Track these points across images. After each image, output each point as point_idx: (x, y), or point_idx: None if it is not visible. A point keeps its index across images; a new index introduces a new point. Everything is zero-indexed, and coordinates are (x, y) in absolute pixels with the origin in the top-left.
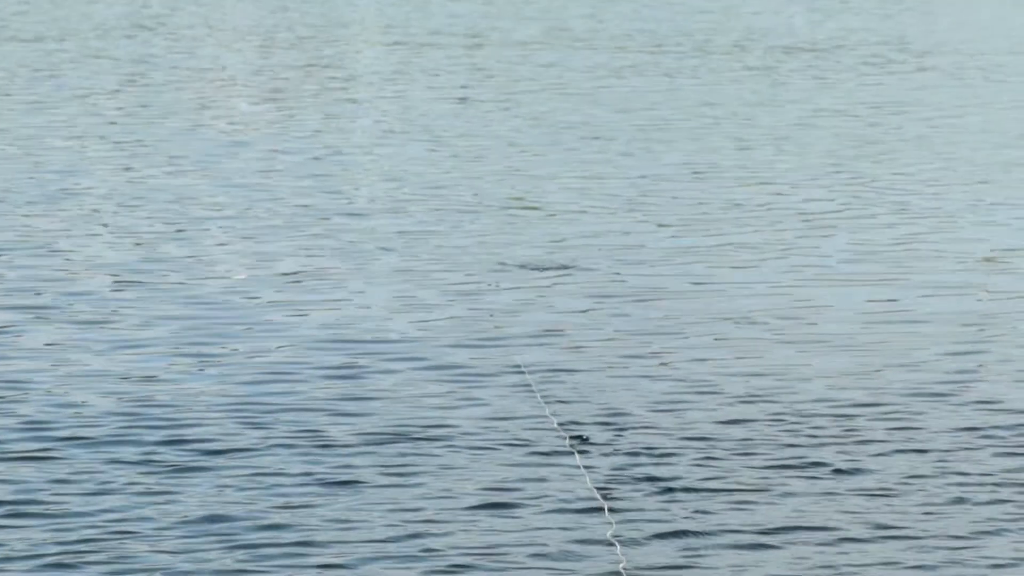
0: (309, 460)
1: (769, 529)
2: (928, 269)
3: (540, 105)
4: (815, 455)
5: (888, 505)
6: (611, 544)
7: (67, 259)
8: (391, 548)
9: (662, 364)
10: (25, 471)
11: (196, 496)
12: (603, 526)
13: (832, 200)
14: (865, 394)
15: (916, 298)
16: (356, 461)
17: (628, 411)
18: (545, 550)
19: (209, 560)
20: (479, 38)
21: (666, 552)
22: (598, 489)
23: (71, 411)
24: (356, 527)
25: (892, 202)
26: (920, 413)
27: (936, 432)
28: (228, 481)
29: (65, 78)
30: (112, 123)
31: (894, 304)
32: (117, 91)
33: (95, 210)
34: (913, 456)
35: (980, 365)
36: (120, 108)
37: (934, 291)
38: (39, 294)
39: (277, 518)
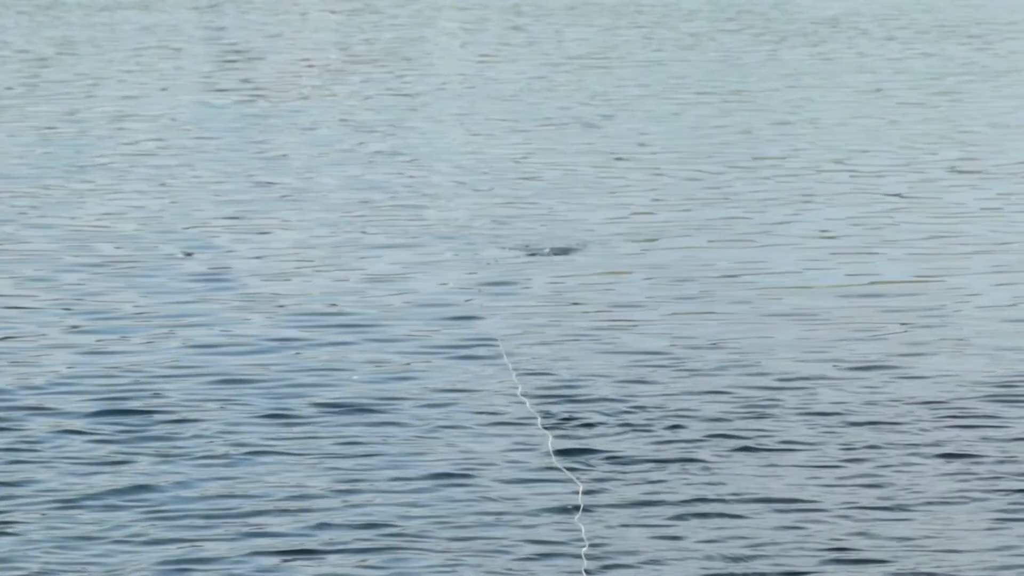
0: (271, 430)
1: (730, 499)
2: (895, 244)
3: (582, 81)
4: (777, 428)
5: (845, 476)
6: (573, 513)
7: (60, 227)
8: (349, 517)
9: (638, 341)
10: None
11: (157, 466)
12: (566, 496)
13: (802, 176)
14: (826, 367)
15: (878, 272)
16: (319, 431)
17: (597, 385)
18: (506, 519)
19: (167, 530)
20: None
21: (629, 522)
22: (563, 462)
23: (34, 380)
24: (313, 496)
25: (863, 179)
26: (876, 387)
27: (892, 405)
28: (188, 450)
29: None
30: (130, 96)
31: (857, 278)
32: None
33: (89, 181)
34: (870, 429)
35: (939, 339)
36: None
37: (898, 265)
38: (28, 262)
39: (236, 488)
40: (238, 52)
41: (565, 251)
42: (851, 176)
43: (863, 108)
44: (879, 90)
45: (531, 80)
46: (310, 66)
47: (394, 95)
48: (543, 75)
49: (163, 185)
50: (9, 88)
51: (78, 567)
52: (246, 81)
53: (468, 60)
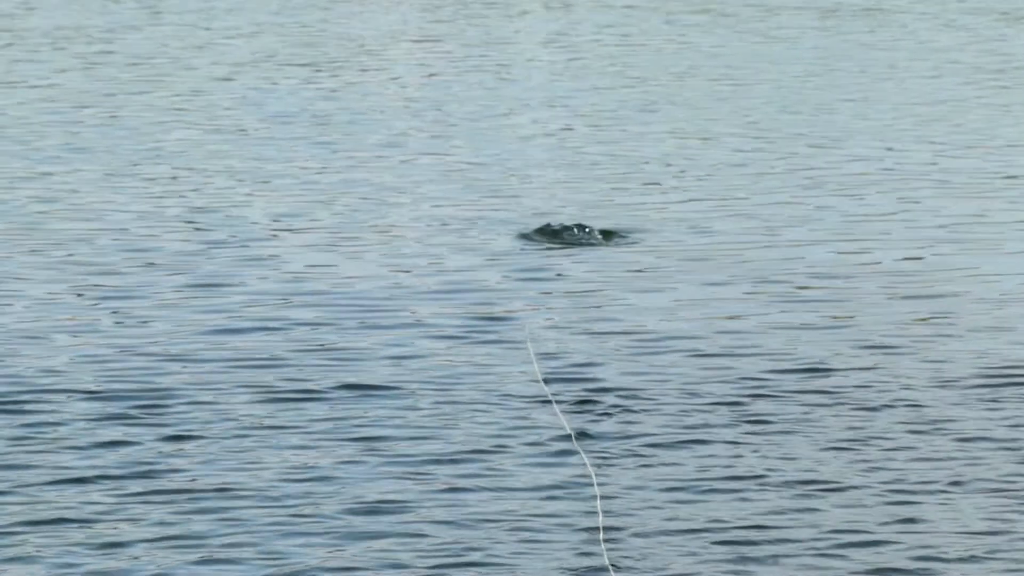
0: (287, 410)
1: (743, 480)
2: (900, 227)
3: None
4: (791, 410)
5: (857, 457)
6: (590, 494)
7: (86, 209)
8: (361, 496)
9: (660, 324)
10: None
11: (168, 446)
12: (583, 477)
13: (833, 160)
14: (841, 350)
15: (883, 255)
16: (335, 412)
17: (616, 367)
18: (522, 500)
19: (176, 509)
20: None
21: (645, 503)
22: (581, 443)
23: (47, 360)
24: (326, 477)
25: (869, 161)
26: (890, 369)
27: (905, 388)
28: (203, 430)
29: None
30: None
31: (863, 261)
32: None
33: (115, 163)
34: (883, 411)
35: (953, 322)
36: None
37: (903, 248)
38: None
39: (248, 468)
40: (308, 29)
41: (607, 235)
42: (883, 159)
43: (908, 92)
44: (925, 74)
45: (588, 62)
46: (378, 44)
47: (441, 79)
48: (600, 58)
49: (190, 167)
50: (64, 70)
51: (85, 546)
52: (309, 59)
53: (531, 44)
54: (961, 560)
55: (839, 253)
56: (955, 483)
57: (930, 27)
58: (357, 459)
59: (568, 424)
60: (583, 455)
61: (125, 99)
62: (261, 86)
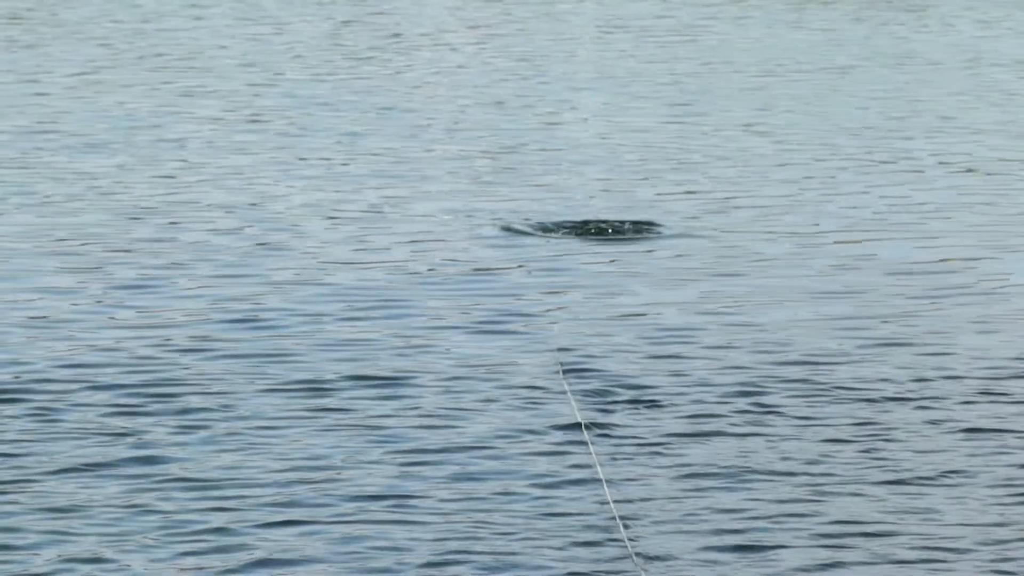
0: (296, 401)
1: (756, 472)
2: (911, 220)
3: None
4: (804, 404)
5: (870, 450)
6: (599, 485)
7: (107, 197)
8: (372, 487)
9: (677, 317)
10: None
11: (178, 437)
12: (593, 469)
13: (835, 152)
14: (854, 344)
15: (896, 248)
16: (344, 403)
17: (629, 360)
18: (532, 492)
19: (183, 500)
20: None
21: (654, 495)
22: (592, 435)
23: (61, 351)
24: (333, 468)
25: (867, 156)
26: (903, 364)
27: (918, 381)
28: (214, 421)
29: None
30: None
31: (869, 255)
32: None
33: (138, 152)
34: (896, 404)
35: (955, 314)
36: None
37: (906, 241)
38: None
39: (259, 459)
40: (343, 20)
41: (635, 228)
42: (901, 151)
43: (936, 86)
44: (956, 67)
45: (623, 54)
46: (415, 34)
47: (473, 70)
48: (634, 51)
49: (209, 157)
50: (92, 60)
51: (93, 536)
52: (344, 48)
53: (567, 35)
54: (970, 551)
55: (852, 247)
56: (964, 475)
57: (967, 20)
58: (369, 449)
59: (579, 415)
60: (590, 446)
61: (150, 88)
62: (293, 75)
